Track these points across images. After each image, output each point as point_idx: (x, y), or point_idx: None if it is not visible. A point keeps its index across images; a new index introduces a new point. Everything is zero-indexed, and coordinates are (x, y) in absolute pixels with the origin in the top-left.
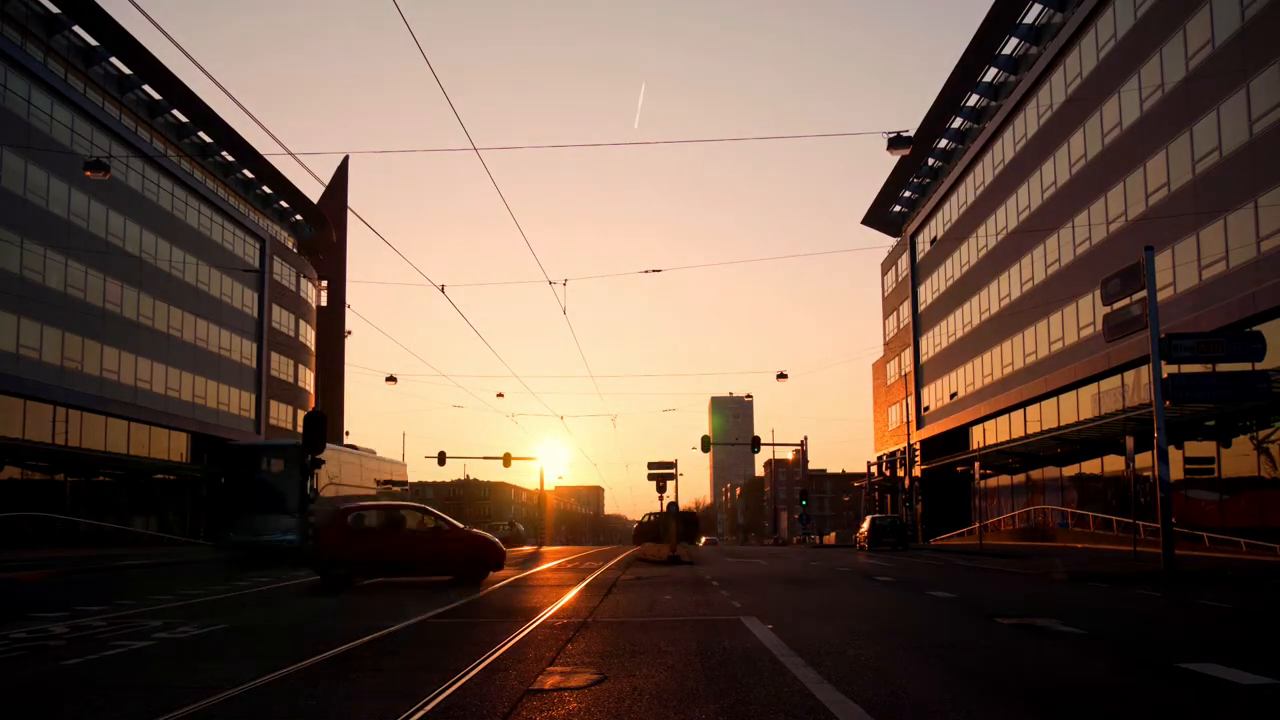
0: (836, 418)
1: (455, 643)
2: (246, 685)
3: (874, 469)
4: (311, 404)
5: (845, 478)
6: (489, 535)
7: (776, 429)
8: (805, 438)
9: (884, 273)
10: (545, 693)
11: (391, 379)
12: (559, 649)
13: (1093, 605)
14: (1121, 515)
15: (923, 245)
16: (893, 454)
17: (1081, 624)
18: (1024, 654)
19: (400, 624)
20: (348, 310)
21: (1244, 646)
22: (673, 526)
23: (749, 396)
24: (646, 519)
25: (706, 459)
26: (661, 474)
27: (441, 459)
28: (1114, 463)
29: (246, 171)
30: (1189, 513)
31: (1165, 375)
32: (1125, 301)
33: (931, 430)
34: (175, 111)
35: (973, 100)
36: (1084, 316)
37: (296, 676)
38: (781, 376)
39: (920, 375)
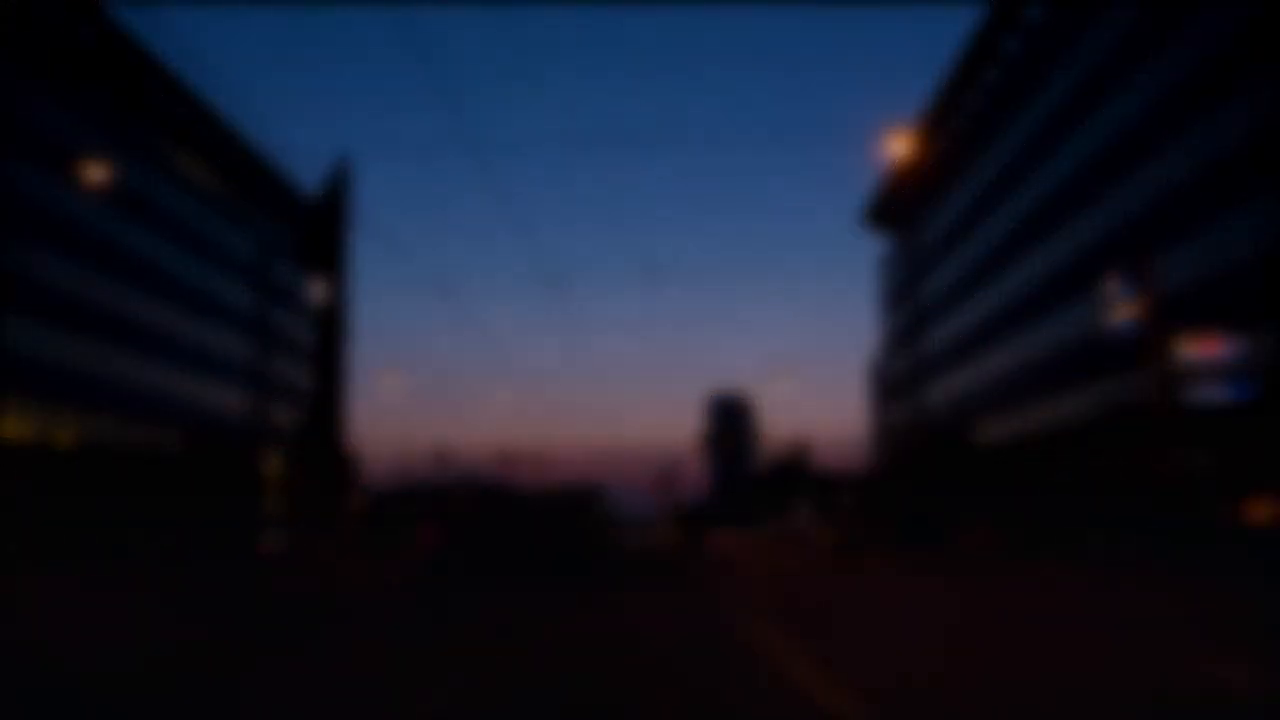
0: (836, 417)
1: None
2: None
3: (873, 468)
4: (312, 404)
5: (845, 477)
6: None
7: (776, 428)
8: (805, 437)
9: (884, 271)
10: None
11: (392, 379)
12: None
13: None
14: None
15: (924, 243)
16: (893, 453)
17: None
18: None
19: None
20: (348, 310)
21: None
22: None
23: (749, 396)
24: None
25: (706, 459)
26: (662, 473)
27: (442, 459)
28: (1114, 457)
29: (248, 171)
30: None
31: (1166, 370)
32: (1127, 300)
33: (931, 429)
34: (177, 111)
35: (975, 98)
36: (1086, 314)
37: None
38: (782, 376)
39: (921, 374)
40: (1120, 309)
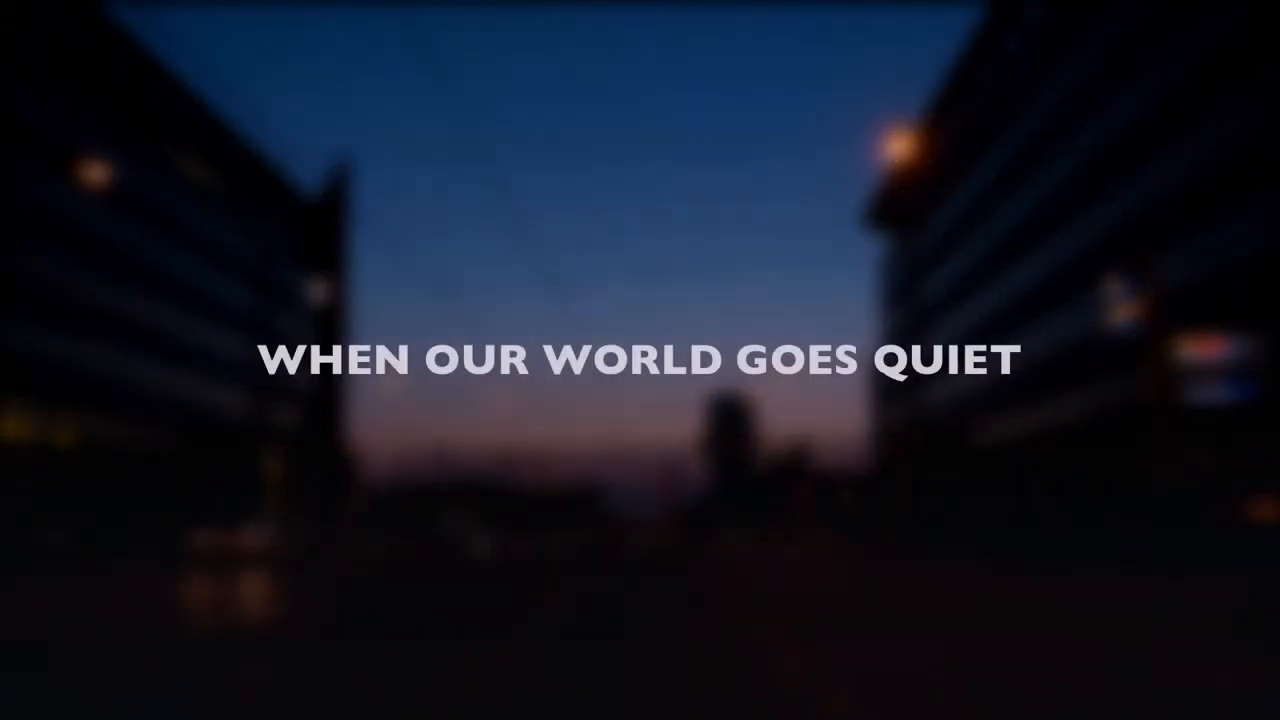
0: (836, 417)
1: None
2: None
3: (874, 467)
4: (312, 404)
5: (845, 477)
6: None
7: (776, 429)
8: (805, 437)
9: (884, 271)
10: None
11: (392, 379)
12: None
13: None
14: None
15: (924, 243)
16: (894, 452)
17: None
18: None
19: None
20: (348, 310)
21: None
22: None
23: (749, 396)
24: None
25: (706, 459)
26: (662, 474)
27: (442, 459)
28: (1115, 456)
29: (248, 171)
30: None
31: (1166, 370)
32: (1127, 300)
33: (930, 429)
34: (177, 111)
35: (975, 98)
36: (1087, 314)
37: None
38: (782, 375)
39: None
40: (1121, 309)
